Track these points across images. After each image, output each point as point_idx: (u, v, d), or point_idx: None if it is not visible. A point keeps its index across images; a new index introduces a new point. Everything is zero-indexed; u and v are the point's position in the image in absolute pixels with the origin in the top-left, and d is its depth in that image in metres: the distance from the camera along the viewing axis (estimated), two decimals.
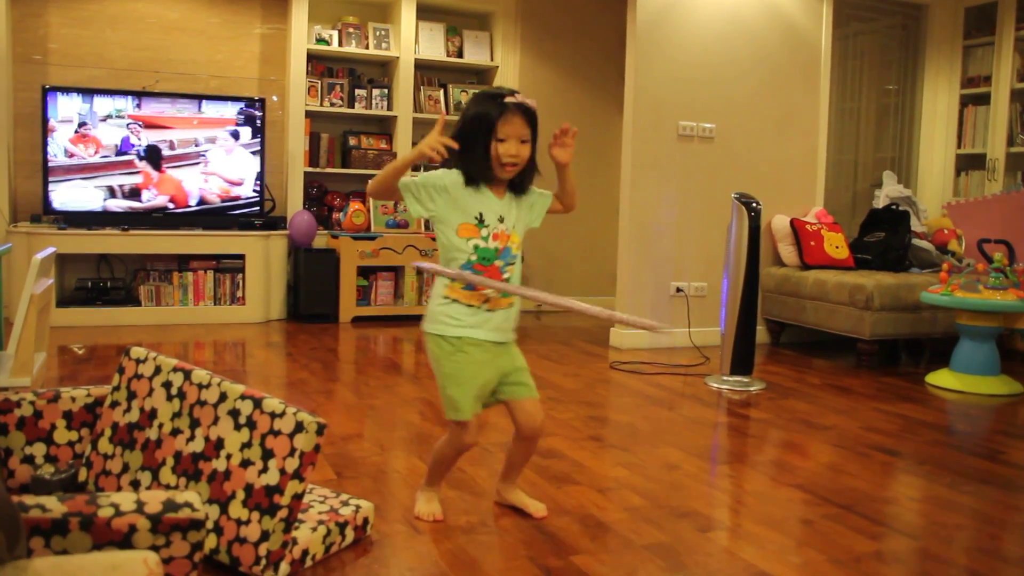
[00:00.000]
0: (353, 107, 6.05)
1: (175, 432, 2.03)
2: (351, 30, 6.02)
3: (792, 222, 5.27)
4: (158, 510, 1.46)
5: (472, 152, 2.15)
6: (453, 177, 2.19)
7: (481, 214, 2.18)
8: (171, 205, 5.46)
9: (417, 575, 2.00)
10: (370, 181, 2.26)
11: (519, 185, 2.23)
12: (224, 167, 5.59)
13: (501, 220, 2.20)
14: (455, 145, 2.14)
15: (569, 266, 6.67)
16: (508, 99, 2.13)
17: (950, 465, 3.00)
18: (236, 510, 1.89)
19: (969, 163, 6.09)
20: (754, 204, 4.17)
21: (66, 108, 5.21)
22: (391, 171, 2.18)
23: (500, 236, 2.19)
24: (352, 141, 6.10)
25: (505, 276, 2.20)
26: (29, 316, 2.40)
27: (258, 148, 5.65)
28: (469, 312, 2.19)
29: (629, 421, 3.48)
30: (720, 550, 2.19)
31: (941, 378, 4.34)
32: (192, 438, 2.00)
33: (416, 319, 5.86)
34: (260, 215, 5.69)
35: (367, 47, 6.07)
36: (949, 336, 4.72)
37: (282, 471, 1.87)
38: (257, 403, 1.95)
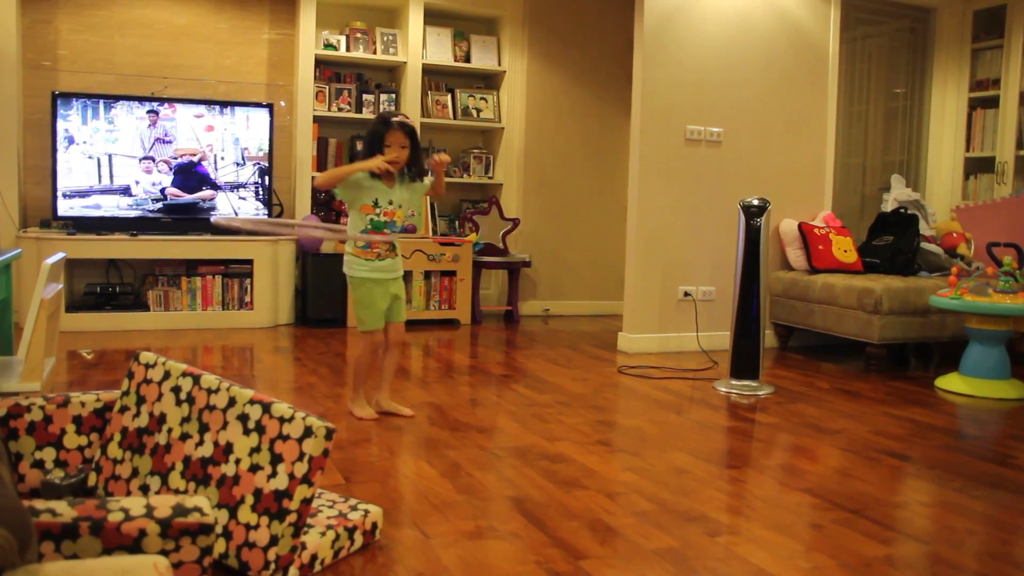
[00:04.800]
0: (361, 112, 6.06)
1: (184, 437, 2.04)
2: (359, 35, 6.04)
3: (800, 226, 5.26)
4: (168, 515, 1.46)
5: (372, 155, 3.27)
6: (361, 174, 3.28)
7: (376, 199, 3.30)
8: (180, 211, 5.49)
9: None
10: (321, 175, 3.42)
11: (406, 175, 3.35)
12: (231, 171, 5.61)
13: (390, 202, 3.33)
14: (392, 168, 3.28)
15: (577, 270, 6.66)
16: (392, 119, 3.26)
17: (960, 469, 2.99)
18: (245, 515, 1.90)
19: (978, 166, 6.07)
20: (753, 210, 4.18)
21: (76, 114, 5.24)
22: (345, 172, 3.30)
23: (388, 213, 3.33)
24: (360, 146, 6.11)
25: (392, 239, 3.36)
26: (39, 321, 2.40)
27: (266, 153, 5.67)
28: (367, 262, 3.31)
29: (637, 425, 3.47)
30: (729, 555, 2.19)
31: (950, 382, 4.32)
32: (201, 443, 2.01)
33: (422, 323, 5.87)
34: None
35: (375, 52, 6.08)
36: (958, 340, 4.71)
37: (291, 476, 1.87)
38: (266, 408, 1.95)
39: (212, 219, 3.24)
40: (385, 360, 3.48)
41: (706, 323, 5.19)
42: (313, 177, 5.94)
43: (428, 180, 3.47)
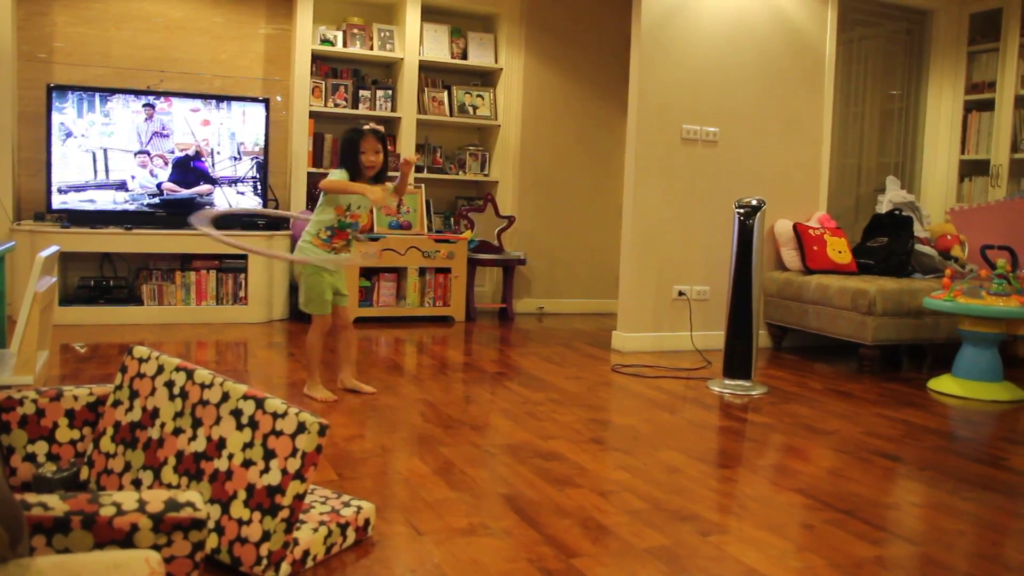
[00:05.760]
0: (357, 108, 6.05)
1: (177, 432, 2.03)
2: (356, 31, 6.03)
3: (795, 226, 5.27)
4: (160, 509, 1.46)
5: (349, 162, 3.55)
6: (343, 177, 3.54)
7: (349, 204, 3.57)
8: (174, 206, 5.48)
9: None
10: (328, 182, 3.53)
11: (376, 180, 3.60)
12: (227, 166, 5.60)
13: (359, 207, 3.60)
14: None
15: (572, 269, 6.67)
16: (365, 127, 3.54)
17: (952, 471, 3.00)
18: (238, 510, 1.90)
19: (973, 169, 6.09)
20: (748, 210, 4.19)
21: (71, 107, 5.23)
22: (351, 189, 3.50)
23: (355, 216, 3.61)
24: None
25: (351, 237, 3.64)
26: (32, 314, 2.40)
27: (262, 148, 5.66)
28: (323, 252, 3.57)
29: (630, 424, 3.48)
30: (721, 554, 2.19)
31: (943, 384, 4.34)
32: (194, 438, 2.00)
33: (416, 320, 5.87)
34: (263, 215, 5.70)
35: (371, 48, 6.07)
36: (951, 342, 4.72)
37: (284, 471, 1.87)
38: (259, 403, 1.95)
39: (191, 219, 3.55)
40: (340, 343, 3.82)
41: (700, 323, 5.20)
42: (321, 178, 5.95)
43: (391, 184, 3.76)
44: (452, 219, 6.42)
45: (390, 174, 3.74)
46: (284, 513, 1.86)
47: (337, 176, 3.56)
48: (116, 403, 2.16)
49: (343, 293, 3.73)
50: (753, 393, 4.11)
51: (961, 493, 2.75)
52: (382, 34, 6.09)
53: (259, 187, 5.69)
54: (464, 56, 6.36)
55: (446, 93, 6.34)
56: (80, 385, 2.31)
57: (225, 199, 5.61)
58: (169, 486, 2.01)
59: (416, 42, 6.07)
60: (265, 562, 1.86)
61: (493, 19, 6.49)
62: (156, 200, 5.45)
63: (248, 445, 1.93)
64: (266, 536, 1.86)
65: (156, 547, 1.45)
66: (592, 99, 6.63)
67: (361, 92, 6.07)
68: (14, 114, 5.31)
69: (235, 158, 5.63)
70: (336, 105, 6.00)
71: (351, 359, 3.85)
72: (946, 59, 6.13)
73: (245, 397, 1.97)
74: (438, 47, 6.26)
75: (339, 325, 3.77)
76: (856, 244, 5.46)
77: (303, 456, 1.87)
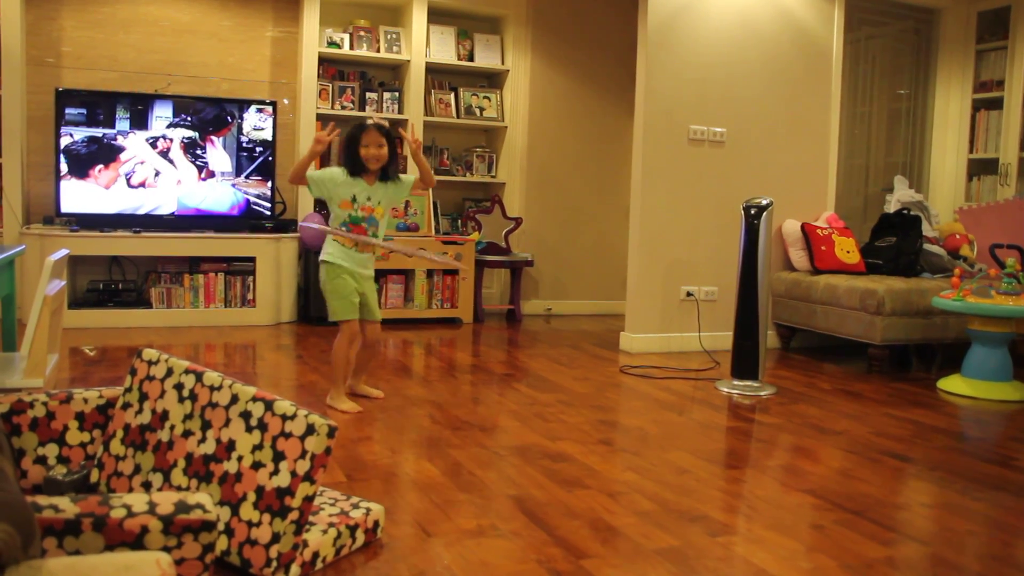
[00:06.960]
0: (364, 110, 6.06)
1: (186, 434, 2.04)
2: (362, 33, 6.04)
3: (803, 226, 5.26)
4: (170, 511, 1.47)
5: (350, 156, 3.49)
6: (337, 172, 3.51)
7: (355, 195, 3.49)
8: (183, 208, 5.50)
9: None
10: (289, 173, 3.59)
11: (384, 175, 3.53)
12: (235, 169, 5.62)
13: (368, 199, 3.51)
14: (331, 136, 3.48)
15: (579, 270, 6.66)
16: (368, 122, 3.50)
17: (962, 471, 2.98)
18: (247, 512, 1.90)
19: (981, 168, 6.06)
20: (755, 211, 4.18)
21: (79, 111, 5.25)
22: (302, 165, 3.50)
23: (366, 208, 3.51)
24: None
25: (369, 232, 3.51)
26: (42, 318, 2.41)
27: (269, 151, 5.68)
28: (345, 251, 3.50)
29: (639, 425, 3.47)
30: (730, 555, 2.19)
31: (953, 384, 4.32)
32: (203, 440, 2.01)
33: (424, 322, 5.87)
34: (271, 218, 5.71)
35: (378, 50, 6.08)
36: (961, 341, 4.71)
37: (293, 473, 1.88)
38: (268, 405, 1.96)
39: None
40: (361, 352, 3.69)
41: (708, 323, 5.19)
42: None
43: (414, 176, 3.66)
44: (459, 221, 6.42)
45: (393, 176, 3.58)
46: (293, 515, 1.86)
47: (329, 171, 3.53)
48: (126, 406, 2.17)
49: (371, 307, 3.59)
50: (761, 394, 4.10)
51: (971, 493, 2.74)
52: (388, 36, 6.10)
53: (265, 190, 5.70)
54: (471, 58, 6.36)
55: (453, 95, 6.35)
56: (90, 388, 2.31)
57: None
58: (179, 488, 2.01)
59: (423, 44, 6.08)
60: (275, 564, 1.86)
61: (499, 21, 6.49)
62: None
63: (257, 447, 1.93)
64: (275, 538, 1.86)
65: (166, 549, 1.46)
66: (599, 100, 6.63)
67: (368, 94, 6.08)
68: (23, 118, 5.33)
69: (243, 161, 5.64)
70: (343, 107, 6.01)
71: (366, 369, 3.79)
72: (954, 57, 6.11)
73: (254, 399, 1.98)
74: (445, 49, 6.26)
75: (367, 341, 3.64)
76: (864, 244, 5.44)
77: (312, 458, 1.88)
